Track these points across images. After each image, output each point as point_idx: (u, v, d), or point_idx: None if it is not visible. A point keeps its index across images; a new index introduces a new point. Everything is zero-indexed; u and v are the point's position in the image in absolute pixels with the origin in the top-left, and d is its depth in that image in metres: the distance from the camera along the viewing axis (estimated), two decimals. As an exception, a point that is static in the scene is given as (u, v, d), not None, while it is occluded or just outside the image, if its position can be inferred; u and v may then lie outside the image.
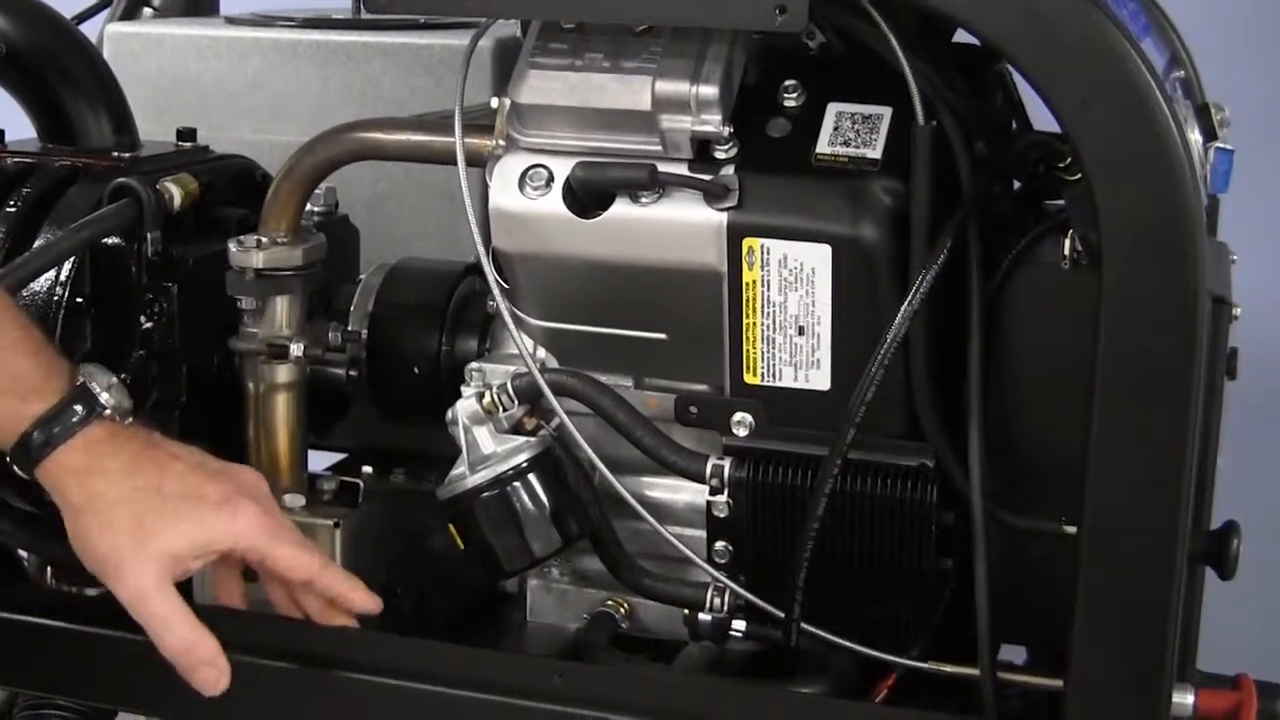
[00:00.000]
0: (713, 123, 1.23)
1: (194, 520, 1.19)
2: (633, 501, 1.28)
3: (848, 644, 1.26)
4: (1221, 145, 1.25)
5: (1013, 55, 1.10)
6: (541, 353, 1.35)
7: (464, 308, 1.44)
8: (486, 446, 1.31)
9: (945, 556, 1.28)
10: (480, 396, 1.31)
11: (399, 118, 1.42)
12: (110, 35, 1.76)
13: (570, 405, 1.30)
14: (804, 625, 1.26)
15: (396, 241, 1.59)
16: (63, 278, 1.38)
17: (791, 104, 1.26)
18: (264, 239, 1.39)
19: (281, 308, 1.41)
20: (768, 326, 1.26)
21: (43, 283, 1.38)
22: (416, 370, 1.43)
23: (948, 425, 1.24)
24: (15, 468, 1.21)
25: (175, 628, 1.18)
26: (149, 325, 1.40)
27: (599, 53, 1.25)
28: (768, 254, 1.24)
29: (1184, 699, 1.16)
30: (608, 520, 1.34)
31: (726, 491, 1.30)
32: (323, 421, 1.51)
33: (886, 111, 1.24)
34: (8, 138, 1.51)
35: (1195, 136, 1.22)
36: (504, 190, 1.28)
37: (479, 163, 1.30)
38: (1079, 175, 1.15)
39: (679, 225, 1.24)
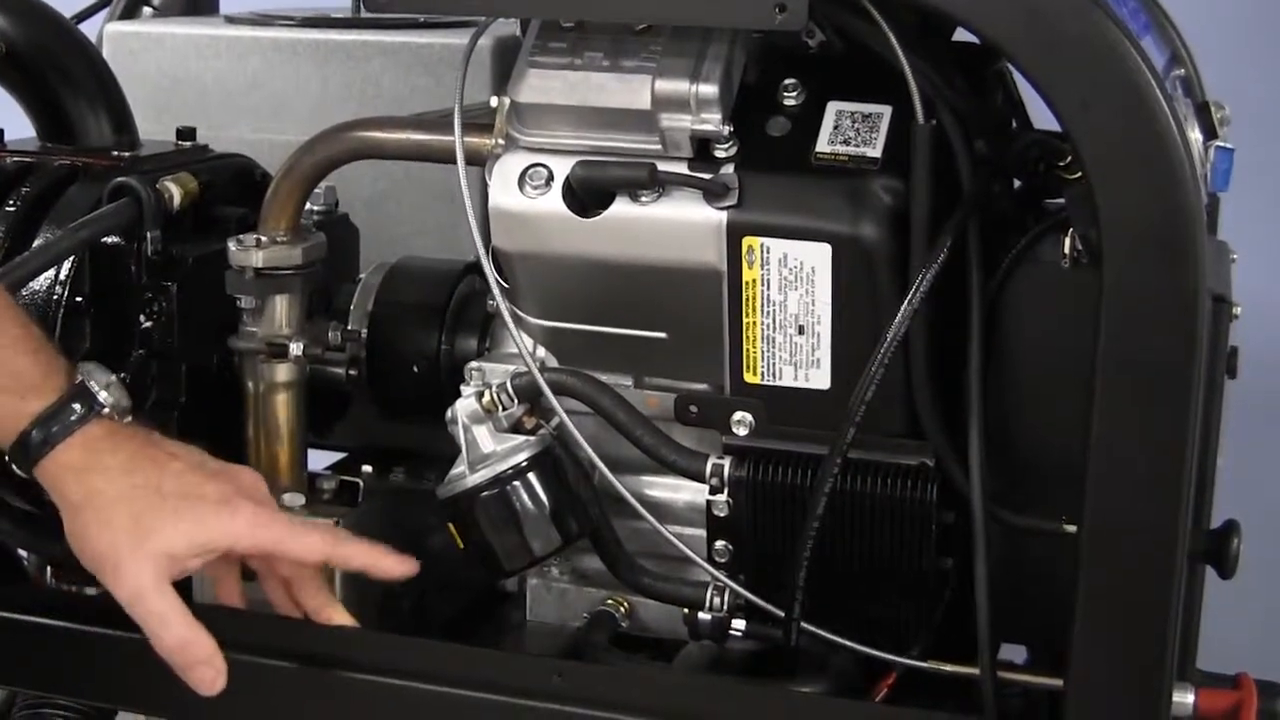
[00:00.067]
0: (712, 122, 1.23)
1: (192, 520, 1.19)
2: (632, 501, 1.28)
3: (848, 643, 1.26)
4: (1222, 144, 1.25)
5: (1013, 54, 1.10)
6: (541, 352, 1.35)
7: (464, 307, 1.44)
8: (486, 445, 1.30)
9: (945, 556, 1.28)
10: (480, 395, 1.31)
11: (398, 117, 1.42)
12: (110, 34, 1.76)
13: (570, 404, 1.30)
14: (804, 624, 1.26)
15: (396, 240, 1.59)
16: (62, 277, 1.38)
17: (791, 103, 1.26)
18: (263, 238, 1.39)
19: (281, 307, 1.41)
20: (768, 325, 1.26)
21: (42, 282, 1.38)
22: (416, 369, 1.43)
23: (948, 424, 1.24)
24: (14, 466, 1.21)
25: (172, 626, 1.18)
26: (148, 324, 1.40)
27: (599, 51, 1.24)
28: (767, 253, 1.23)
29: (1184, 698, 1.16)
30: (607, 519, 1.34)
31: (726, 490, 1.30)
32: (322, 420, 1.50)
33: (886, 110, 1.24)
34: (7, 137, 1.51)
35: (1195, 135, 1.22)
36: (504, 189, 1.28)
37: (479, 162, 1.30)
38: (1079, 174, 1.15)
39: (679, 224, 1.24)
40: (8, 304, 1.23)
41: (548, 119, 1.27)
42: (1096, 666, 1.12)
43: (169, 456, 1.22)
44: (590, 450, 1.30)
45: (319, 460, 1.53)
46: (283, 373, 1.42)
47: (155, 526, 1.18)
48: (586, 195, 1.26)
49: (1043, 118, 1.17)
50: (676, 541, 1.29)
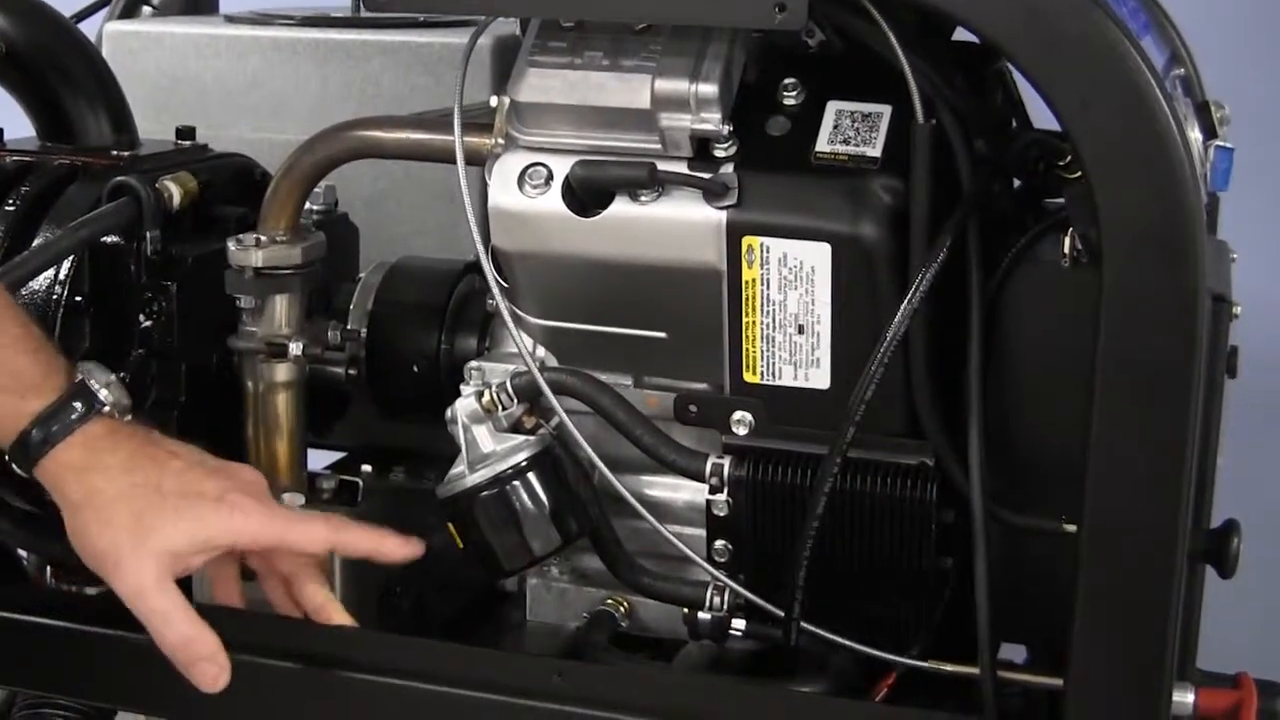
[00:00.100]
0: (712, 121, 1.23)
1: (193, 518, 1.19)
2: (632, 500, 1.28)
3: (847, 643, 1.26)
4: (1222, 143, 1.25)
5: (1012, 53, 1.10)
6: (541, 351, 1.35)
7: (463, 306, 1.44)
8: (486, 445, 1.30)
9: (945, 555, 1.28)
10: (479, 395, 1.30)
11: (398, 116, 1.42)
12: (109, 34, 1.76)
13: (570, 404, 1.30)
14: (804, 624, 1.26)
15: (396, 240, 1.59)
16: (62, 276, 1.38)
17: (791, 102, 1.26)
18: (263, 237, 1.39)
19: (281, 306, 1.41)
20: (767, 325, 1.26)
21: (42, 281, 1.38)
22: (416, 369, 1.43)
23: (948, 424, 1.24)
24: (14, 466, 1.21)
25: (174, 623, 1.18)
26: (148, 324, 1.40)
27: (598, 51, 1.24)
28: (767, 252, 1.23)
29: (1184, 698, 1.16)
30: (607, 519, 1.34)
31: (726, 490, 1.30)
32: (322, 420, 1.50)
33: (886, 110, 1.24)
34: (7, 137, 1.51)
35: (1195, 134, 1.22)
36: (503, 189, 1.28)
37: (478, 161, 1.30)
38: (1079, 173, 1.15)
39: (678, 224, 1.24)
40: (7, 303, 1.23)
41: (547, 118, 1.27)
42: (1096, 666, 1.12)
43: (169, 455, 1.22)
44: (590, 450, 1.30)
45: (319, 460, 1.53)
46: (282, 372, 1.42)
47: (156, 525, 1.18)
48: (586, 195, 1.26)
49: (1043, 117, 1.17)
50: (676, 541, 1.29)
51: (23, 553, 1.57)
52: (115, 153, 1.48)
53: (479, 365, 1.38)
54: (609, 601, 1.41)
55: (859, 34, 1.21)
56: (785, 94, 1.26)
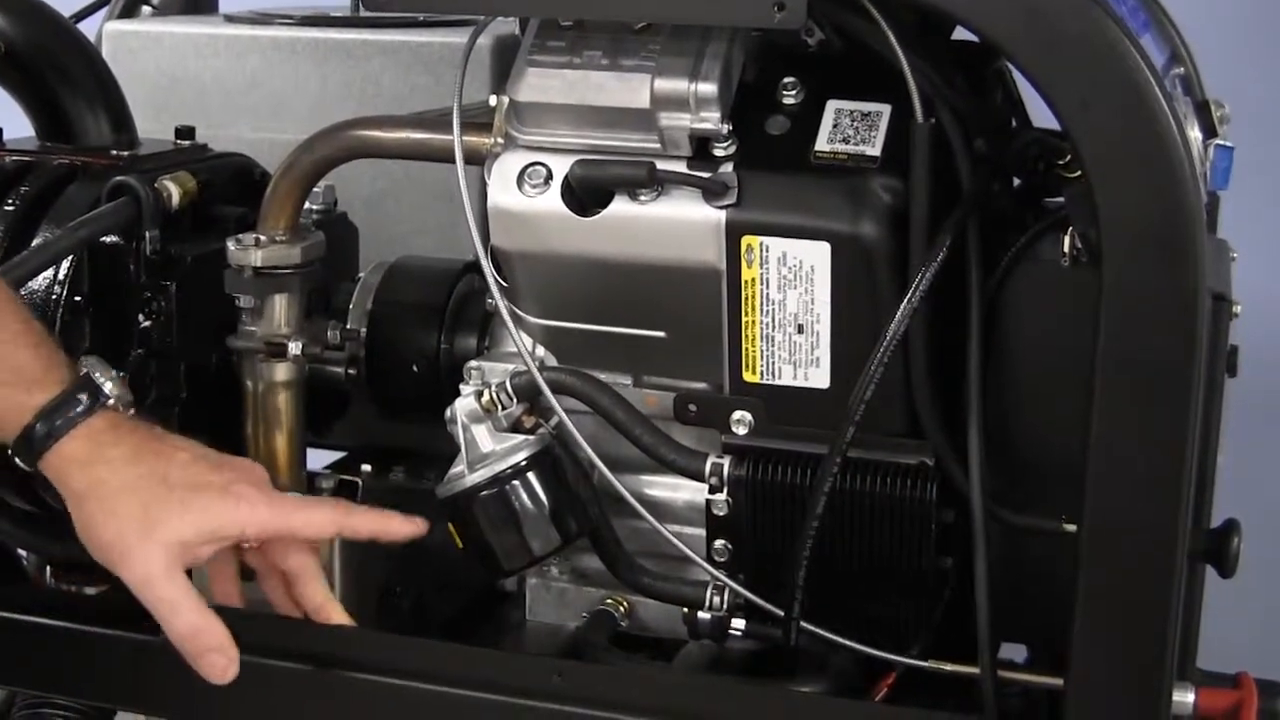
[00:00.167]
0: (711, 120, 1.23)
1: (199, 508, 1.19)
2: (632, 500, 1.28)
3: (847, 642, 1.26)
4: (1221, 142, 1.25)
5: (1012, 53, 1.10)
6: (540, 351, 1.35)
7: (463, 306, 1.44)
8: (485, 445, 1.30)
9: (945, 555, 1.28)
10: (479, 395, 1.30)
11: (398, 115, 1.42)
12: (109, 33, 1.76)
13: (569, 403, 1.30)
14: (804, 624, 1.26)
15: (395, 239, 1.59)
16: (61, 276, 1.38)
17: (790, 101, 1.26)
18: (262, 237, 1.39)
19: (280, 306, 1.41)
20: (767, 324, 1.26)
21: (41, 281, 1.37)
22: (415, 368, 1.43)
23: (947, 423, 1.24)
24: (17, 460, 1.21)
25: (183, 612, 1.18)
26: (147, 324, 1.40)
27: (597, 50, 1.24)
28: (767, 252, 1.23)
29: (1184, 697, 1.16)
30: (607, 519, 1.34)
31: (726, 490, 1.30)
32: (321, 420, 1.50)
33: (885, 109, 1.24)
34: (7, 136, 1.51)
35: (1195, 134, 1.22)
36: (502, 188, 1.28)
37: (478, 161, 1.30)
38: (1079, 173, 1.15)
39: (678, 223, 1.24)
40: (9, 299, 1.23)
41: (547, 118, 1.27)
42: (1096, 666, 1.12)
43: (173, 448, 1.22)
44: (589, 449, 1.30)
45: (318, 459, 1.53)
46: (282, 372, 1.42)
47: (163, 516, 1.18)
48: (585, 194, 1.26)
49: (1043, 117, 1.16)
50: (676, 541, 1.28)
51: (23, 553, 1.57)
52: (115, 152, 1.48)
53: (478, 365, 1.38)
54: (609, 601, 1.41)
55: (858, 33, 1.21)
56: (785, 93, 1.26)
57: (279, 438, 1.43)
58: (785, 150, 1.24)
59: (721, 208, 1.23)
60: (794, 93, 1.26)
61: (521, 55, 1.27)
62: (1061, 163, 1.21)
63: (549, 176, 1.27)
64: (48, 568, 1.53)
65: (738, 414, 1.29)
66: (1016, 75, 1.27)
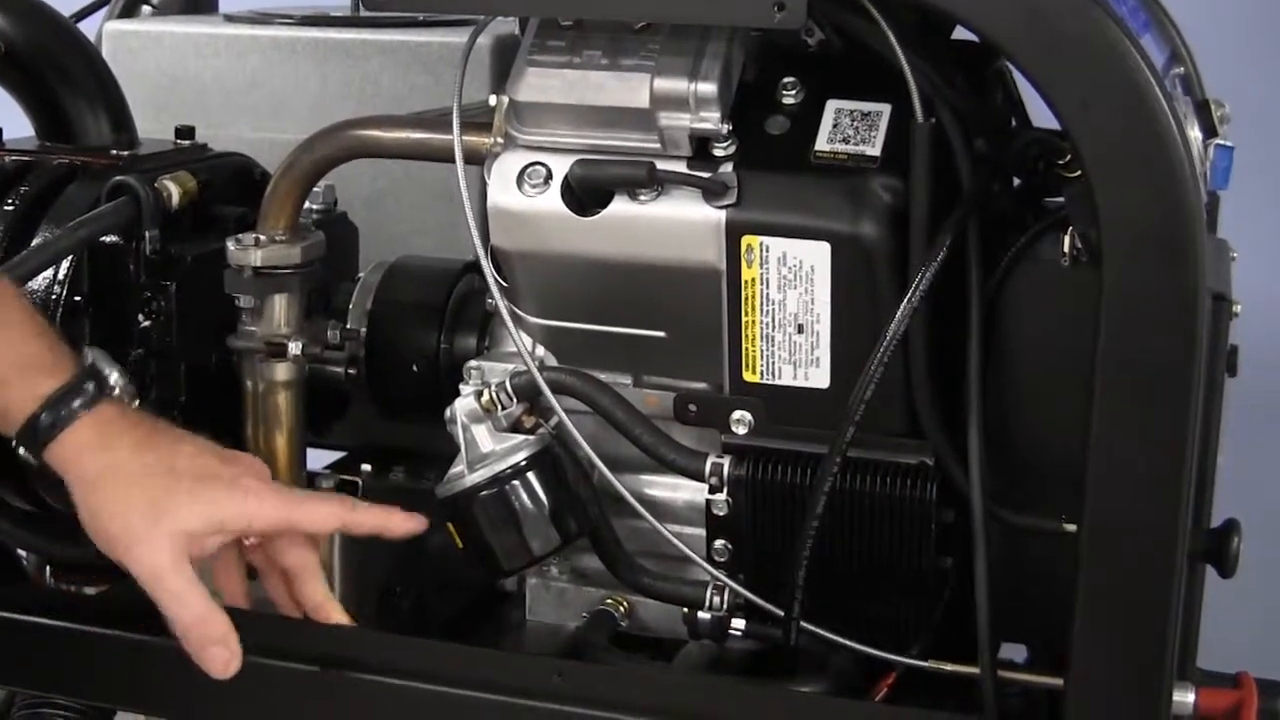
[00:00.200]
0: (711, 120, 1.23)
1: (207, 500, 1.19)
2: (632, 500, 1.28)
3: (847, 642, 1.26)
4: (1222, 142, 1.25)
5: (1012, 53, 1.10)
6: (540, 351, 1.35)
7: (463, 306, 1.44)
8: (485, 445, 1.30)
9: (945, 555, 1.28)
10: (479, 395, 1.30)
11: (397, 115, 1.42)
12: (109, 33, 1.76)
13: (569, 403, 1.29)
14: (804, 624, 1.26)
15: (395, 239, 1.59)
16: (61, 276, 1.38)
17: (790, 101, 1.26)
18: (262, 237, 1.39)
19: (280, 306, 1.41)
20: (767, 324, 1.26)
21: (41, 281, 1.38)
22: (415, 368, 1.43)
23: (947, 423, 1.24)
24: (22, 450, 1.20)
25: (188, 604, 1.18)
26: (147, 324, 1.40)
27: (597, 50, 1.24)
28: (767, 251, 1.23)
29: (1184, 697, 1.16)
30: (607, 519, 1.34)
31: (726, 490, 1.30)
32: (321, 420, 1.50)
33: (885, 109, 1.24)
34: (7, 136, 1.51)
35: (1195, 133, 1.22)
36: (502, 188, 1.28)
37: (477, 160, 1.30)
38: (1079, 172, 1.15)
39: (678, 223, 1.24)
40: (12, 293, 1.23)
41: (546, 117, 1.27)
42: (1096, 666, 1.12)
43: (178, 440, 1.22)
44: (589, 449, 1.30)
45: (318, 459, 1.53)
46: (281, 372, 1.42)
47: (170, 507, 1.17)
48: (585, 194, 1.26)
49: (1043, 117, 1.16)
50: (676, 541, 1.28)
51: (23, 553, 1.57)
52: (114, 152, 1.48)
53: (478, 365, 1.38)
54: (609, 601, 1.40)
55: (858, 33, 1.21)
56: (784, 93, 1.26)
57: (279, 438, 1.43)
58: (785, 150, 1.24)
59: (721, 208, 1.23)
60: (794, 93, 1.26)
61: (521, 55, 1.27)
62: (1061, 163, 1.21)
63: (549, 176, 1.27)
64: (48, 568, 1.53)
65: (738, 414, 1.29)
66: (1016, 75, 1.27)
